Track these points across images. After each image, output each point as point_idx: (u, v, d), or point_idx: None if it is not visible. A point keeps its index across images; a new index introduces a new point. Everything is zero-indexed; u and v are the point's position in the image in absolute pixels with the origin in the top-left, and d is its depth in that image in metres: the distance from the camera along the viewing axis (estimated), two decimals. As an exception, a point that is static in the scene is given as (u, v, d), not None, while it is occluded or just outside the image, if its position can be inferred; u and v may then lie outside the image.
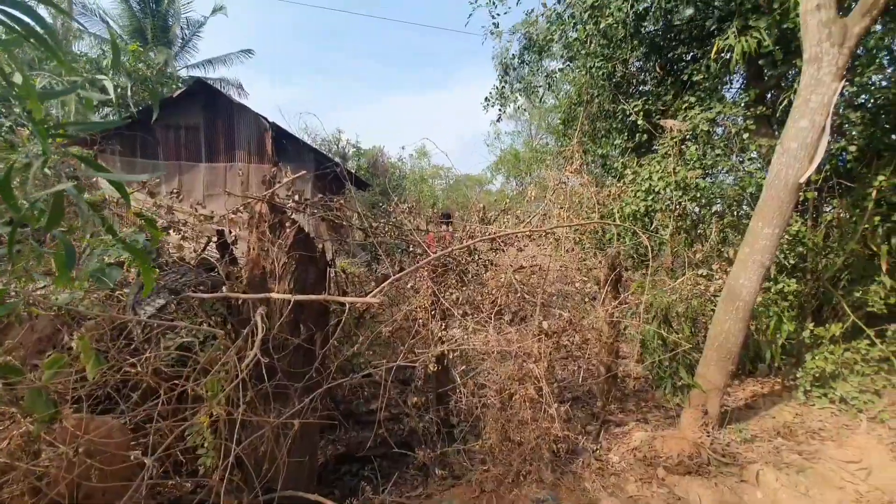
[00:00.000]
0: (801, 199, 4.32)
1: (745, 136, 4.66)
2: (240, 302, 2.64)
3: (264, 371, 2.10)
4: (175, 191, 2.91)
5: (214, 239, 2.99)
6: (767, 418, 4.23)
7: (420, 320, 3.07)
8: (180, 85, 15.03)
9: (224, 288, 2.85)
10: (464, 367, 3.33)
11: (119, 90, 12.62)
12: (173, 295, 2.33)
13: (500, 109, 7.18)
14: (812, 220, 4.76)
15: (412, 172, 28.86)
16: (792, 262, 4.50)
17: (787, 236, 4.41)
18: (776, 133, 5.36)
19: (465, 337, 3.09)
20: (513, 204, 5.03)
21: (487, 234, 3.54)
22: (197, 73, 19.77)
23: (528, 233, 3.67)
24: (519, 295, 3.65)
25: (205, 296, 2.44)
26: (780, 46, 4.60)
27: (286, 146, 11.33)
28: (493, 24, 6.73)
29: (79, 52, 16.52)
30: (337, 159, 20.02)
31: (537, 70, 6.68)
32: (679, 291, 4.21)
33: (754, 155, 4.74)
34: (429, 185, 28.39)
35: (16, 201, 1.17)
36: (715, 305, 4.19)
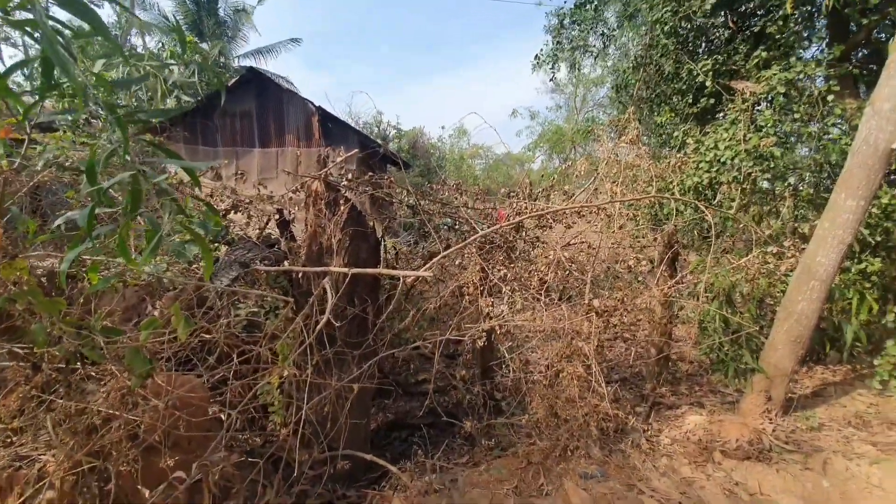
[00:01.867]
0: (892, 167, 3.83)
1: (830, 97, 4.15)
2: (300, 275, 2.81)
3: (325, 338, 2.25)
4: (240, 173, 3.10)
5: (275, 217, 3.18)
6: (838, 407, 3.93)
7: (468, 296, 3.12)
8: (234, 75, 15.74)
9: (286, 262, 3.04)
10: (510, 343, 3.35)
11: (187, 77, 13.44)
12: (244, 267, 2.53)
13: (552, 69, 6.76)
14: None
15: (451, 152, 28.68)
16: (878, 238, 4.04)
17: (874, 210, 3.95)
18: (864, 95, 4.74)
19: (512, 314, 3.10)
20: (559, 180, 4.88)
21: (535, 210, 3.48)
22: (248, 62, 20.56)
23: (577, 209, 3.56)
24: (568, 273, 3.58)
25: (271, 269, 2.62)
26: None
27: (332, 129, 11.63)
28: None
29: (141, 47, 17.69)
30: (379, 140, 20.28)
31: (591, 29, 6.22)
32: (745, 270, 3.93)
33: (838, 120, 4.23)
34: (468, 164, 28.12)
35: (100, 185, 1.31)
36: (785, 286, 3.88)
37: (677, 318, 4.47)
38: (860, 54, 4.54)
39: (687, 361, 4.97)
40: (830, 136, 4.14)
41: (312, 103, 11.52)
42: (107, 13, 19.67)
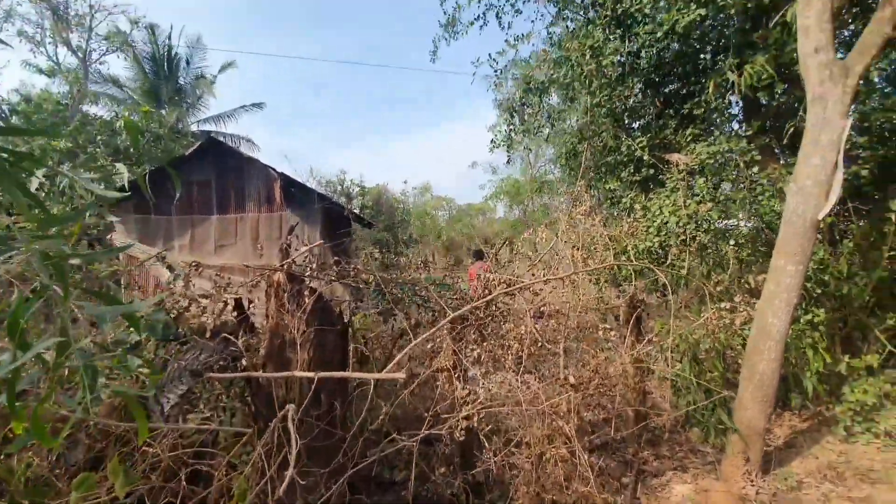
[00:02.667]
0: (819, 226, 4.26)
1: (755, 169, 4.66)
2: (260, 377, 2.60)
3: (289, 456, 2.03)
4: (194, 263, 2.94)
5: (232, 310, 3.00)
6: (811, 458, 3.99)
7: (442, 382, 3.00)
8: (192, 140, 15.64)
9: (244, 359, 2.81)
10: (489, 426, 3.20)
11: (134, 164, 13.12)
12: (195, 377, 2.30)
13: (507, 151, 7.33)
14: (831, 246, 4.67)
15: (416, 207, 29.33)
16: (818, 291, 4.38)
17: (812, 265, 4.31)
18: (781, 160, 5.36)
19: (489, 397, 2.99)
20: (523, 243, 5.01)
21: (504, 284, 3.51)
22: (208, 127, 20.61)
23: (544, 280, 3.62)
24: (540, 344, 3.56)
25: (226, 376, 2.41)
26: (779, 78, 4.68)
27: (294, 193, 11.57)
28: (496, 74, 6.98)
29: (93, 115, 17.37)
30: (342, 199, 20.40)
31: (539, 111, 6.84)
32: (704, 327, 4.10)
33: (766, 182, 4.72)
34: (432, 217, 28.70)
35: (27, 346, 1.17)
36: (743, 339, 4.06)
37: (650, 376, 4.52)
38: (774, 127, 5.19)
39: (666, 422, 4.97)
40: (760, 200, 4.58)
41: (274, 169, 11.50)
42: (58, 83, 19.36)
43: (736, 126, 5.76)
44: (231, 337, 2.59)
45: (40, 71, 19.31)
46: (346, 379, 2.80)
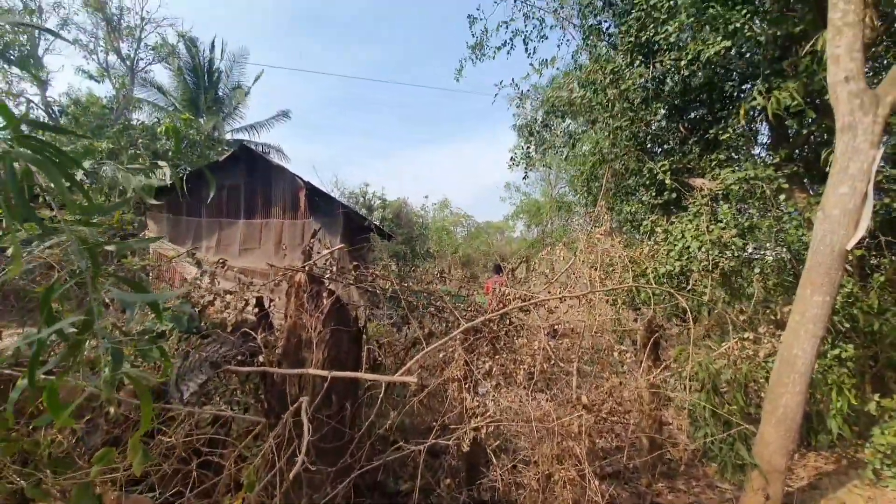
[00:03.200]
0: (847, 258, 4.12)
1: (781, 196, 4.57)
2: (275, 374, 2.66)
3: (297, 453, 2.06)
4: (221, 260, 3.06)
5: (253, 308, 3.09)
6: (835, 502, 3.77)
7: (452, 392, 2.99)
8: (226, 148, 16.33)
9: (261, 356, 2.89)
10: (497, 442, 3.16)
11: (172, 166, 13.83)
12: (214, 368, 2.38)
13: (525, 169, 7.42)
14: (860, 279, 4.50)
15: (434, 222, 29.64)
16: (846, 325, 4.21)
17: (839, 297, 4.16)
18: (810, 189, 5.24)
19: (499, 411, 2.96)
20: (540, 262, 5.00)
21: (520, 299, 3.51)
22: (241, 136, 21.51)
23: (560, 298, 3.61)
24: (553, 362, 3.52)
25: (244, 369, 2.48)
26: (809, 106, 4.62)
27: (318, 202, 11.89)
28: (518, 97, 7.12)
29: (136, 121, 18.38)
30: (363, 211, 20.81)
31: (560, 133, 6.92)
32: (726, 357, 3.97)
33: (793, 211, 4.61)
34: (450, 233, 28.90)
35: (53, 321, 1.26)
36: (766, 372, 3.91)
37: (667, 404, 4.38)
38: (802, 155, 5.10)
39: (681, 449, 4.79)
40: (786, 229, 4.48)
41: (301, 178, 11.87)
42: (105, 88, 20.64)
43: (763, 154, 5.67)
44: (251, 332, 2.67)
45: (91, 76, 20.63)
46: (357, 382, 2.84)
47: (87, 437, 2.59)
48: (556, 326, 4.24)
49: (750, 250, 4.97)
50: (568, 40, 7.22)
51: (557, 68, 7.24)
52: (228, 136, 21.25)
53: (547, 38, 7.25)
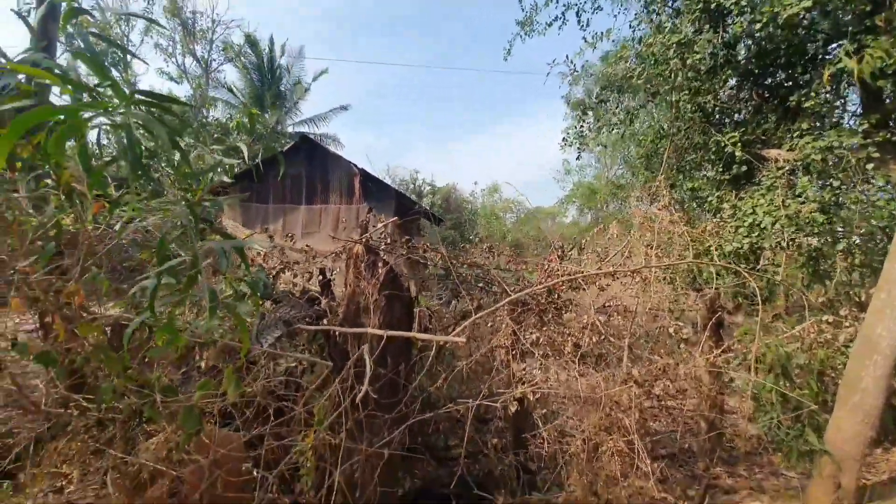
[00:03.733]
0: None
1: (869, 165, 4.08)
2: (337, 334, 2.92)
3: (359, 401, 2.29)
4: (290, 234, 3.37)
5: (318, 277, 3.39)
6: (926, 502, 3.41)
7: (499, 359, 3.10)
8: (288, 140, 17.43)
9: (325, 320, 3.18)
10: (545, 410, 3.23)
11: (249, 149, 15.12)
12: (287, 326, 2.68)
13: (579, 149, 7.18)
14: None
15: (483, 208, 29.51)
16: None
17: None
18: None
19: (545, 379, 3.03)
20: (592, 241, 4.90)
21: (568, 273, 3.51)
22: (303, 128, 22.79)
23: (611, 273, 3.55)
24: (603, 338, 3.50)
25: (312, 328, 2.76)
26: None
27: (371, 188, 12.41)
28: (572, 72, 6.86)
29: (212, 118, 20.08)
30: (413, 197, 21.29)
31: (616, 108, 6.60)
32: (800, 340, 3.69)
33: (882, 184, 4.11)
34: (499, 218, 28.68)
35: (167, 263, 1.52)
36: (845, 358, 3.58)
37: (729, 389, 4.17)
38: (898, 121, 4.50)
39: (744, 438, 4.54)
40: (875, 201, 4.01)
41: (356, 165, 12.44)
42: (185, 89, 22.72)
43: (851, 122, 5.05)
44: (318, 295, 2.94)
45: (171, 78, 22.78)
46: (410, 345, 3.03)
47: (184, 386, 3.03)
48: (606, 304, 4.17)
49: (835, 228, 4.50)
50: (625, 10, 6.78)
51: (613, 41, 6.84)
52: (290, 129, 22.59)
53: (601, 8, 6.89)
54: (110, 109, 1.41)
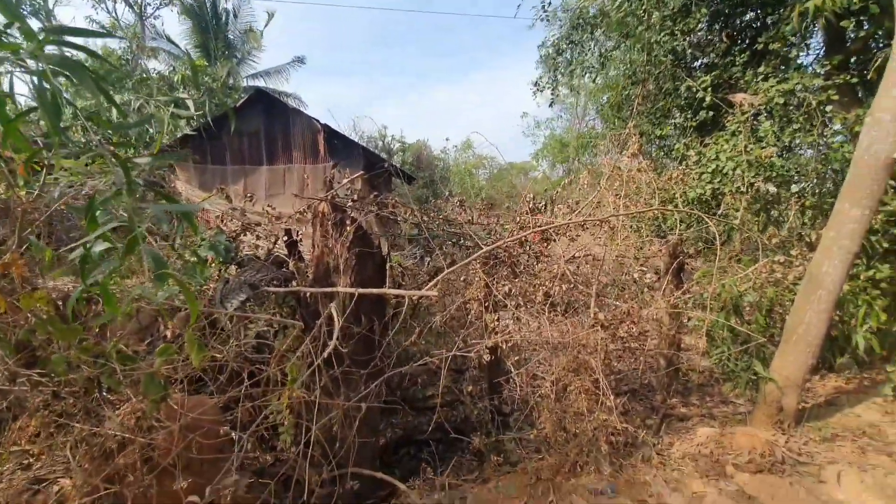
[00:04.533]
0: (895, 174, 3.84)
1: (828, 108, 4.18)
2: (308, 295, 2.86)
3: (333, 358, 2.29)
4: (249, 195, 3.19)
5: (283, 238, 3.25)
6: (851, 417, 3.87)
7: (473, 311, 3.15)
8: (243, 95, 16.15)
9: (294, 282, 3.10)
10: (517, 357, 3.36)
11: (196, 103, 13.92)
12: (253, 289, 2.59)
13: (552, 95, 7.00)
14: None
15: (456, 164, 29.04)
16: (885, 245, 4.02)
17: (879, 216, 3.94)
18: (865, 103, 4.76)
19: (518, 328, 3.12)
20: (563, 193, 4.92)
21: (539, 224, 3.52)
22: (258, 83, 21.11)
23: (580, 223, 3.60)
24: (572, 286, 3.60)
25: (279, 290, 2.68)
26: (872, 0, 4.06)
27: (337, 145, 11.84)
28: (543, 7, 6.52)
29: (153, 70, 18.26)
30: (383, 154, 20.61)
31: (589, 50, 6.39)
32: (752, 279, 3.92)
33: (839, 128, 4.25)
34: (472, 175, 28.39)
35: (97, 226, 1.39)
36: (794, 295, 3.86)
37: (685, 327, 4.45)
38: (858, 63, 4.56)
39: (697, 371, 4.94)
40: (831, 144, 4.16)
41: (318, 121, 11.75)
42: (117, 41, 20.34)
43: (814, 66, 5.11)
44: (285, 258, 2.84)
45: (102, 27, 20.27)
46: (383, 302, 3.02)
47: (151, 356, 2.93)
48: (576, 255, 4.27)
49: (790, 172, 4.68)
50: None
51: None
52: (245, 84, 20.89)
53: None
54: (22, 51, 1.21)
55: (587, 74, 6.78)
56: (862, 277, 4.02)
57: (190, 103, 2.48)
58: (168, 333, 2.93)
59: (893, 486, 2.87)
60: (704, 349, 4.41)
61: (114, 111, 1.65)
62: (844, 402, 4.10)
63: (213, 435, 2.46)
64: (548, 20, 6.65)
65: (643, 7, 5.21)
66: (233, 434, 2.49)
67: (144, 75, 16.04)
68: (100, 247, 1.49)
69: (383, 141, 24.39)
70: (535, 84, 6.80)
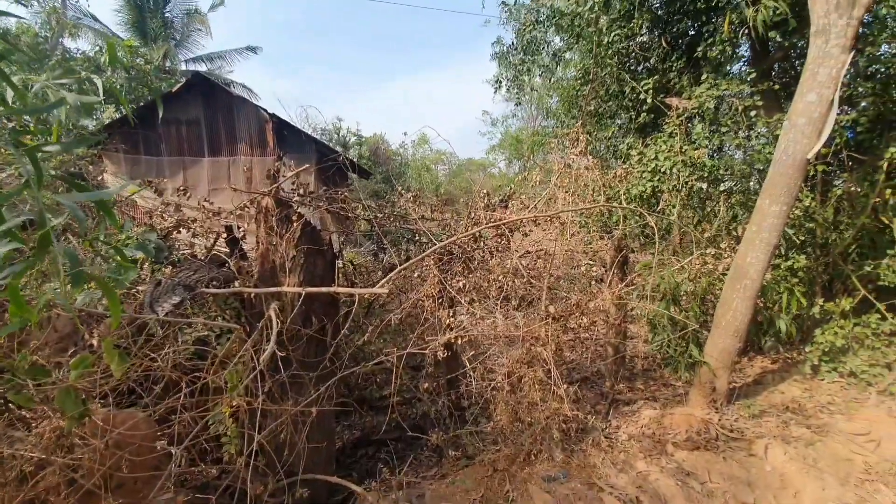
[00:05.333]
0: (810, 173, 4.26)
1: (753, 113, 4.57)
2: (252, 296, 2.70)
3: (280, 362, 2.18)
4: (182, 188, 2.95)
5: (224, 235, 3.05)
6: (776, 394, 4.26)
7: (428, 308, 3.13)
8: (180, 80, 14.99)
9: (236, 283, 2.91)
10: (472, 352, 3.39)
11: (119, 87, 12.65)
12: (188, 291, 2.40)
13: (512, 90, 7.12)
14: (821, 195, 4.69)
15: (414, 160, 28.84)
16: (802, 237, 4.46)
17: (796, 212, 4.36)
18: (785, 108, 5.25)
19: (473, 323, 3.14)
20: (517, 189, 5.02)
21: (493, 220, 3.56)
22: (202, 67, 19.67)
23: (532, 219, 3.67)
24: (525, 280, 3.68)
25: (219, 291, 2.51)
26: (793, 15, 4.47)
27: (287, 137, 11.32)
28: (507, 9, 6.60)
29: (76, 50, 16.51)
30: (338, 148, 19.99)
31: (544, 49, 6.55)
32: (687, 271, 4.21)
33: (763, 130, 4.65)
34: (432, 171, 28.31)
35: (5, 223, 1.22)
36: (722, 283, 4.19)
37: (630, 317, 4.70)
38: (780, 71, 5.02)
39: (641, 357, 5.25)
40: (755, 146, 4.54)
41: (266, 110, 11.16)
42: (34, 15, 18.13)
43: (742, 70, 5.57)
44: (225, 257, 2.66)
45: (17, 1, 18.00)
46: (335, 302, 2.92)
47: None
48: (529, 250, 4.37)
49: (721, 171, 5.06)
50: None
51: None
52: (184, 68, 19.41)
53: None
54: None
55: (541, 73, 6.96)
56: (782, 267, 4.43)
57: (100, 84, 2.22)
58: (94, 342, 2.66)
59: (813, 455, 3.19)
60: (647, 336, 4.69)
61: (9, 93, 1.44)
62: (770, 380, 4.52)
63: (147, 451, 2.27)
64: (509, 15, 6.75)
65: (592, 10, 5.41)
66: (169, 449, 2.30)
67: (67, 55, 14.46)
68: (5, 247, 1.30)
69: (338, 134, 23.67)
70: (497, 81, 6.92)
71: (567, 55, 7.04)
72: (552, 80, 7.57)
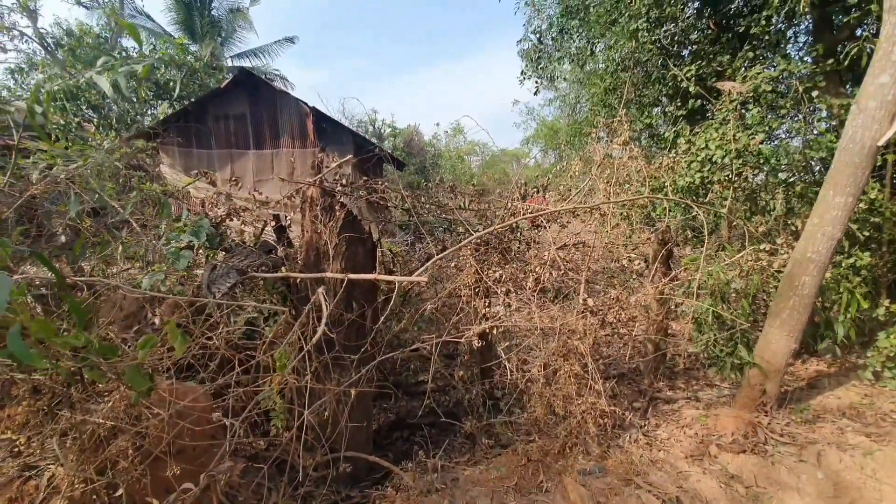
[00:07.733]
0: (878, 163, 3.90)
1: (814, 94, 4.21)
2: (298, 281, 2.83)
3: (324, 344, 2.28)
4: (235, 179, 3.12)
5: (272, 223, 3.20)
6: (832, 399, 3.99)
7: (464, 298, 3.16)
8: (227, 75, 15.69)
9: (283, 268, 3.06)
10: (507, 343, 3.40)
11: (171, 84, 13.41)
12: (241, 275, 2.55)
13: (536, 82, 6.94)
14: (891, 187, 4.29)
15: (447, 150, 28.82)
16: (867, 233, 4.11)
17: (861, 205, 4.02)
18: (850, 91, 4.81)
19: (508, 314, 3.14)
20: (554, 180, 4.93)
21: (530, 211, 3.52)
22: (245, 63, 20.51)
23: (571, 210, 3.60)
24: (563, 272, 3.63)
25: (268, 276, 2.65)
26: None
27: (326, 129, 11.63)
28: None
29: (133, 48, 17.59)
30: (374, 139, 20.30)
31: (576, 36, 6.33)
32: (738, 266, 3.99)
33: (824, 115, 4.28)
34: (465, 162, 28.23)
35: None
36: (778, 282, 3.94)
37: (673, 313, 4.52)
38: (845, 50, 4.59)
39: (684, 356, 5.05)
40: (817, 131, 4.20)
41: (306, 104, 11.50)
42: (96, 17, 19.51)
43: (801, 53, 5.13)
44: (273, 244, 2.80)
45: (79, 2, 19.39)
46: (375, 289, 3.01)
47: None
48: (566, 242, 4.29)
49: (779, 160, 4.73)
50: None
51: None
52: (229, 63, 20.28)
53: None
54: None
55: (573, 62, 6.72)
56: (844, 265, 4.11)
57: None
58: (156, 321, 2.89)
59: (872, 465, 2.98)
60: (691, 335, 4.51)
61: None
62: (826, 385, 4.23)
63: (205, 421, 2.45)
64: (534, 5, 6.54)
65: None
66: (224, 420, 2.48)
67: (124, 53, 15.48)
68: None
69: (373, 125, 24.04)
70: (522, 72, 6.75)
71: (600, 44, 6.74)
72: (584, 68, 7.28)
